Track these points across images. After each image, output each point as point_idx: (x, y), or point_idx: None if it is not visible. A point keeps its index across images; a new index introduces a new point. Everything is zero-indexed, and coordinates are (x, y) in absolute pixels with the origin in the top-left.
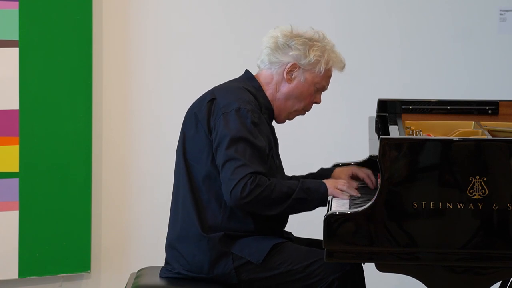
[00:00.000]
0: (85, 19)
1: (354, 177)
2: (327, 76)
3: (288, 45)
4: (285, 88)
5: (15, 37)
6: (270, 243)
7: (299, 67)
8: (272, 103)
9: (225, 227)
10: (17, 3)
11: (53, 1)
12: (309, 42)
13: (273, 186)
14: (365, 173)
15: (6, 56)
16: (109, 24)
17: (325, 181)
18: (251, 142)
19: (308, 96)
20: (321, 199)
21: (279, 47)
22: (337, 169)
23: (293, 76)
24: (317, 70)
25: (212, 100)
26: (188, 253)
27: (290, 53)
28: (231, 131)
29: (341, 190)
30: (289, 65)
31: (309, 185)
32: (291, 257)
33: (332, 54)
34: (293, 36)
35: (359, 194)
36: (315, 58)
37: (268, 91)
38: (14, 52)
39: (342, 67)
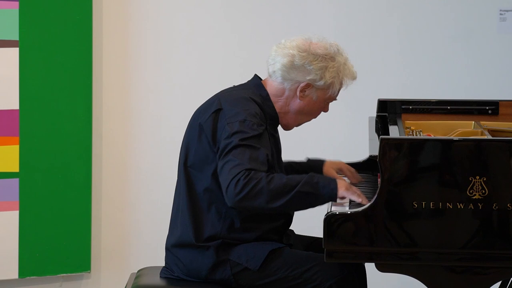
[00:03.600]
0: (85, 19)
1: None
2: (338, 90)
3: (305, 67)
4: (296, 104)
5: (15, 37)
6: (267, 249)
7: (313, 86)
8: (279, 114)
9: (223, 237)
10: (17, 3)
11: (53, 1)
12: (326, 64)
13: (270, 178)
14: (350, 172)
15: (6, 56)
16: (109, 24)
17: (337, 180)
18: (249, 145)
19: (318, 111)
20: (330, 196)
21: (295, 67)
22: (328, 161)
23: (305, 94)
24: (331, 91)
25: (218, 110)
26: (186, 259)
27: (308, 78)
28: (232, 140)
29: (354, 192)
30: (303, 84)
31: (318, 179)
32: (287, 263)
33: (346, 70)
34: (311, 60)
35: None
36: (330, 80)
37: (277, 103)
38: (14, 52)
39: (353, 79)
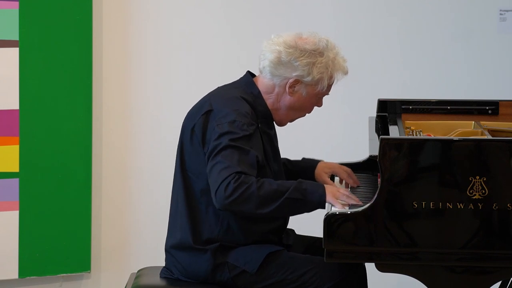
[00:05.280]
0: (85, 19)
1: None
2: (329, 85)
3: (291, 63)
4: (286, 100)
5: (15, 37)
6: (265, 252)
7: (302, 82)
8: (271, 111)
9: (221, 239)
10: (17, 3)
11: (53, 1)
12: (313, 60)
13: (260, 184)
14: (346, 173)
15: (6, 56)
16: (109, 24)
17: (325, 186)
18: (239, 147)
19: (310, 106)
20: (318, 202)
21: (281, 63)
22: (321, 163)
23: (295, 90)
24: (320, 87)
25: (208, 112)
26: (185, 262)
27: (294, 74)
28: (221, 141)
29: (339, 199)
30: (291, 80)
31: (307, 186)
32: (285, 266)
33: (336, 65)
34: (297, 56)
35: (360, 203)
36: (318, 76)
37: (269, 100)
38: (14, 52)
39: (345, 73)
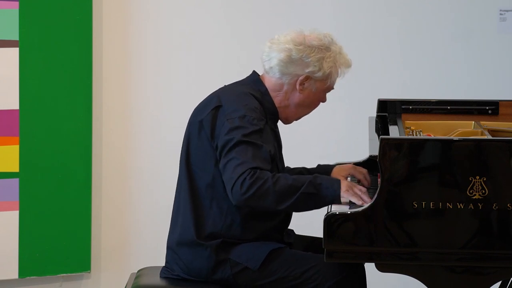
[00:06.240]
0: (85, 19)
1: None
2: (336, 79)
3: (303, 60)
4: (296, 97)
5: (15, 37)
6: (267, 249)
7: (312, 78)
8: (279, 109)
9: (224, 235)
10: (17, 3)
11: (53, 1)
12: (322, 55)
13: (276, 179)
14: (362, 174)
15: (6, 56)
16: (109, 24)
17: (341, 181)
18: (252, 143)
19: (318, 102)
20: (333, 197)
21: (292, 61)
22: (337, 167)
23: (305, 86)
24: (329, 81)
25: (217, 107)
26: (187, 258)
27: (306, 70)
28: (233, 137)
29: (355, 194)
30: (302, 77)
31: (322, 181)
32: (287, 263)
33: (342, 59)
34: (308, 52)
35: (371, 201)
36: (328, 70)
37: (276, 98)
38: (14, 52)
39: (349, 66)
